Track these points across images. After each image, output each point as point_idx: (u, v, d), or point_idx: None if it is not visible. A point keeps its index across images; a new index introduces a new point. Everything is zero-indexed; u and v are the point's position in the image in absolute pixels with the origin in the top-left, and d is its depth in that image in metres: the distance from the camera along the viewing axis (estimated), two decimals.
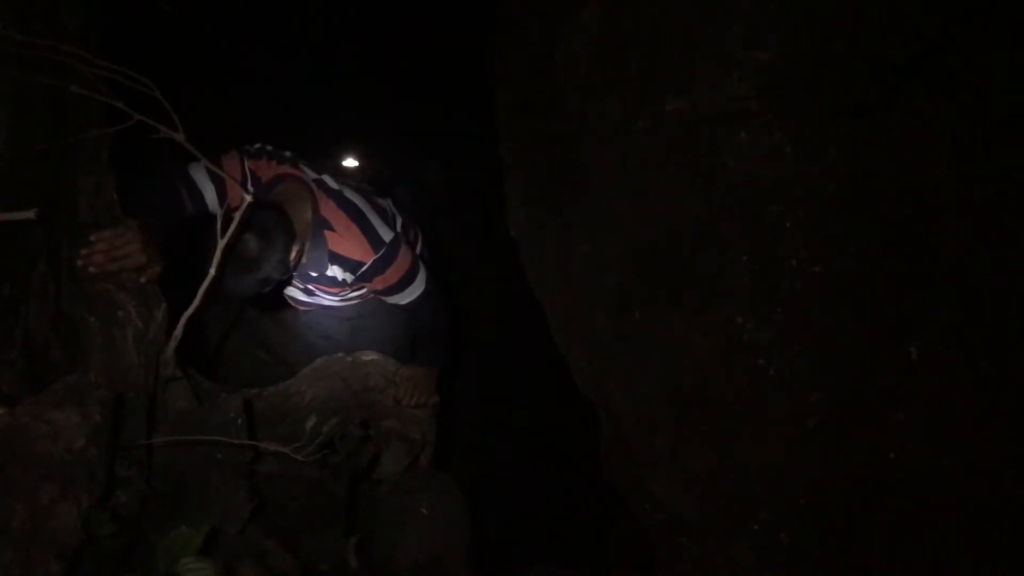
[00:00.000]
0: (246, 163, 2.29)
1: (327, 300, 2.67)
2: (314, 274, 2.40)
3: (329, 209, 2.32)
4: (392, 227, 2.46)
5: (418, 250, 2.76)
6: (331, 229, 2.30)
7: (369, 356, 2.61)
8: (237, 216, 1.95)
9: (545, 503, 3.14)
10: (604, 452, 2.09)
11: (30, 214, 1.54)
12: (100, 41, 2.00)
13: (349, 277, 2.39)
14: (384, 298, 2.52)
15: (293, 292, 2.69)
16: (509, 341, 3.63)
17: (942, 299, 1.40)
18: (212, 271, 1.95)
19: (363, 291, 2.61)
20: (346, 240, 2.32)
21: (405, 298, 2.48)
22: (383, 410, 2.54)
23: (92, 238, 1.85)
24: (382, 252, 2.34)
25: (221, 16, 3.63)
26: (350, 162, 4.33)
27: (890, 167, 1.44)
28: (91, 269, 1.84)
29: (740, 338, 1.54)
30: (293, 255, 2.17)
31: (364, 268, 2.34)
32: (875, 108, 1.44)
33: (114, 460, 1.73)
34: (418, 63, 3.87)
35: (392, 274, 2.39)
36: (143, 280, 1.97)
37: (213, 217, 1.87)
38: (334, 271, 2.38)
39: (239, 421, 2.10)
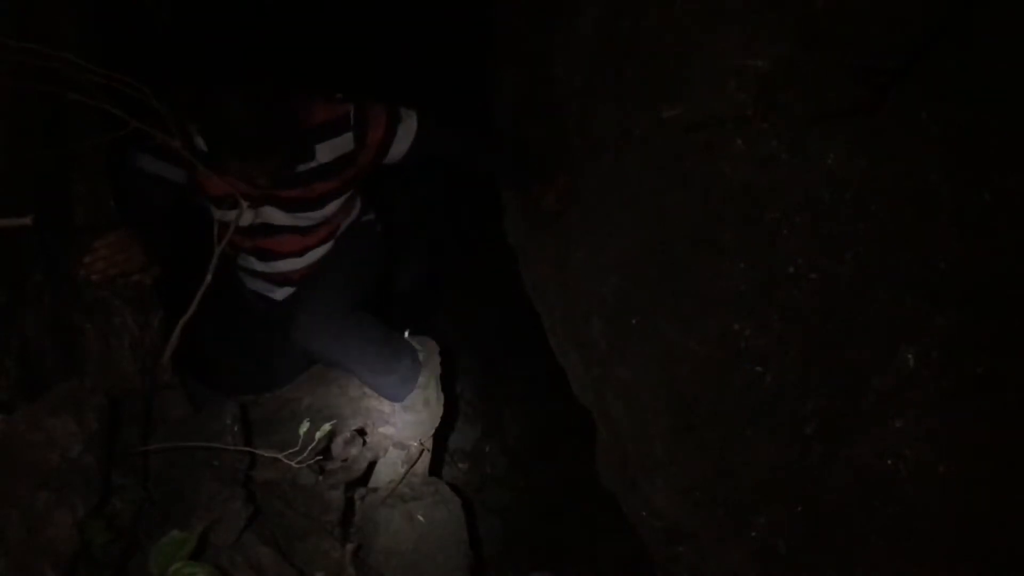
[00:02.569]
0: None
1: (305, 232, 2.39)
2: (302, 168, 2.17)
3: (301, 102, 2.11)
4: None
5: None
6: (304, 108, 2.10)
7: None
8: (233, 223, 1.96)
9: (542, 510, 3.14)
10: (601, 459, 2.09)
11: (26, 221, 1.54)
12: (97, 48, 2.00)
13: (348, 143, 2.16)
14: (384, 159, 2.27)
15: (278, 258, 2.44)
16: (506, 348, 3.62)
17: (938, 305, 1.40)
18: (208, 278, 1.95)
19: (347, 180, 2.30)
20: (322, 108, 2.14)
21: (405, 139, 2.23)
22: (380, 417, 2.54)
23: (96, 244, 1.84)
24: (353, 99, 2.16)
25: (216, 25, 3.63)
26: None
27: (886, 173, 1.44)
28: (93, 278, 1.84)
29: (737, 345, 1.55)
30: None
31: (352, 117, 2.14)
32: (866, 110, 1.45)
33: (110, 467, 1.73)
34: (415, 71, 3.87)
35: (378, 114, 2.18)
36: (148, 281, 1.96)
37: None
38: (324, 152, 2.16)
39: (235, 428, 2.10)
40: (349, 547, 2.16)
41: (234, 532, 1.85)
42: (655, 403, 1.71)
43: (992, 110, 1.40)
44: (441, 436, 2.74)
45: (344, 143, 2.17)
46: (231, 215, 2.08)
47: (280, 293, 2.61)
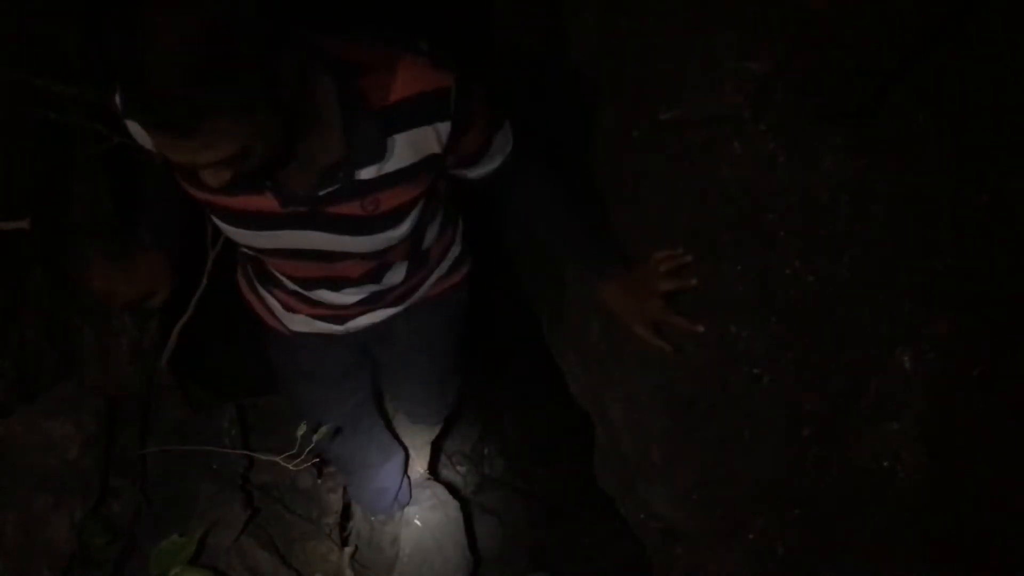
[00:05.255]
0: None
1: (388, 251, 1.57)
2: (369, 174, 1.37)
3: (343, 45, 1.31)
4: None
5: None
6: (370, 71, 1.30)
7: None
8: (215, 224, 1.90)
9: (540, 512, 3.14)
10: (599, 461, 2.09)
11: (24, 223, 1.54)
12: (97, 48, 2.00)
13: (441, 138, 1.37)
14: (470, 170, 1.57)
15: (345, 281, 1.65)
16: (504, 349, 3.62)
17: (935, 308, 1.40)
18: (204, 281, 1.95)
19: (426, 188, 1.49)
20: (404, 74, 1.31)
21: (493, 159, 1.57)
22: None
23: (103, 270, 1.55)
24: (459, 71, 1.35)
25: None
26: None
27: (884, 176, 1.44)
28: (120, 309, 1.72)
29: (734, 347, 1.55)
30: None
31: (454, 96, 1.34)
32: (864, 112, 1.45)
33: (108, 470, 1.73)
34: None
35: (482, 102, 1.43)
36: (157, 304, 1.68)
37: None
38: (404, 148, 1.36)
39: (233, 430, 2.11)
40: (347, 550, 2.16)
41: (232, 535, 1.86)
42: (653, 405, 1.71)
43: (991, 112, 1.40)
44: (439, 438, 2.74)
45: (436, 137, 1.38)
46: (239, 233, 1.49)
47: (342, 326, 1.82)
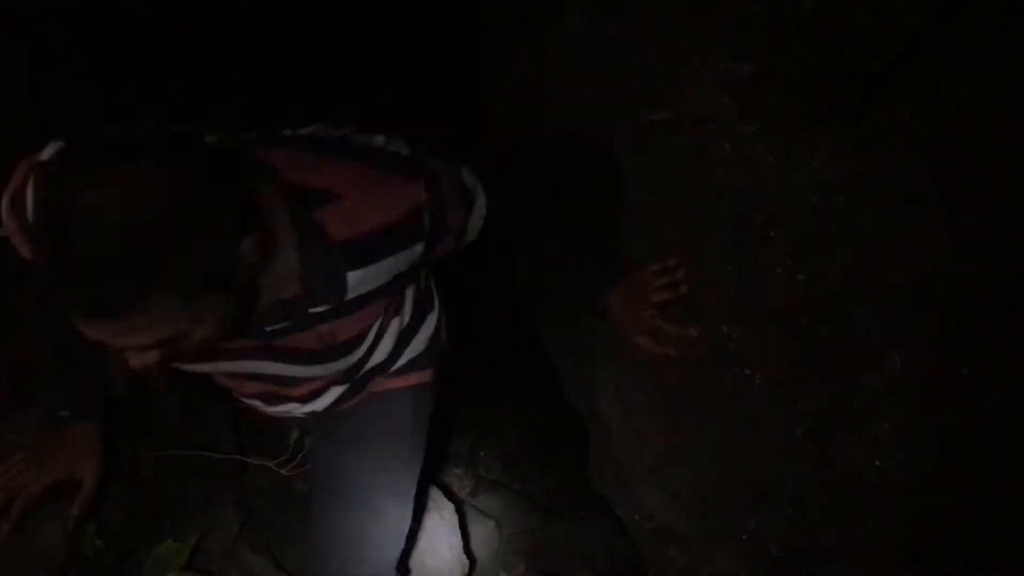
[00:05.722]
0: None
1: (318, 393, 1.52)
2: (321, 308, 1.23)
3: (311, 168, 1.15)
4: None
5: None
6: (334, 199, 1.13)
7: None
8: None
9: (536, 514, 3.13)
10: (594, 462, 2.09)
11: None
12: (87, 55, 2.00)
13: (412, 255, 1.25)
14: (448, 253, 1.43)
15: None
16: (498, 352, 3.62)
17: (925, 308, 1.40)
18: None
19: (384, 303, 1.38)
20: (371, 201, 1.16)
21: (478, 219, 1.41)
22: None
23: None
24: (428, 174, 1.24)
25: (209, 33, 3.62)
26: None
27: (873, 176, 1.45)
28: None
29: (726, 348, 1.55)
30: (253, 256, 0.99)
31: (428, 215, 1.22)
32: (853, 112, 1.45)
33: None
34: (404, 73, 3.87)
35: (450, 192, 1.30)
36: (82, 504, 1.47)
37: None
38: (368, 278, 1.21)
39: (227, 435, 2.10)
40: None
41: (227, 540, 1.85)
42: (647, 406, 1.71)
43: (980, 111, 1.41)
44: (435, 441, 2.74)
45: (408, 258, 1.24)
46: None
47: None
